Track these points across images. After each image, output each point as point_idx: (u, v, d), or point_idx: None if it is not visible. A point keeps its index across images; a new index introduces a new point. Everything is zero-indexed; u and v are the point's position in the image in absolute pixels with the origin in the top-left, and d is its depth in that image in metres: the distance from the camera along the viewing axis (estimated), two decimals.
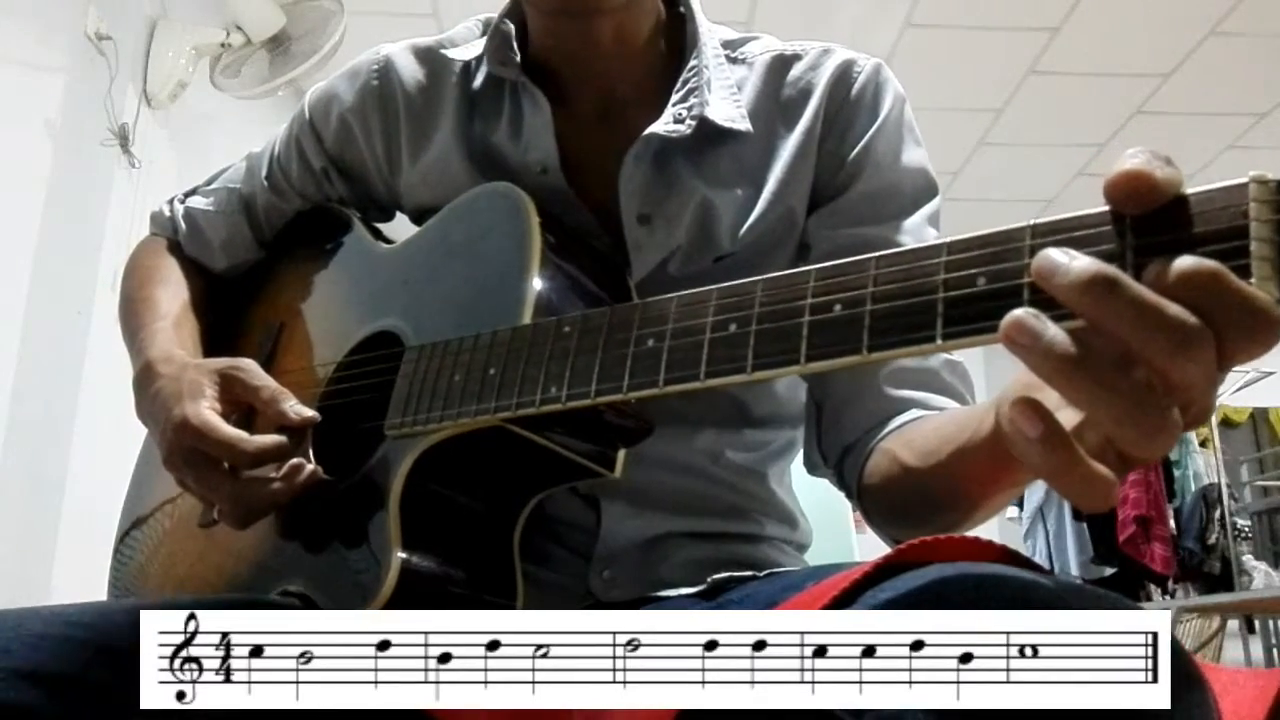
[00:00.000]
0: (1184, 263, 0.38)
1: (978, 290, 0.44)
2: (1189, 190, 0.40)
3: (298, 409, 0.72)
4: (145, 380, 0.79)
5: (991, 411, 0.55)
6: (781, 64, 0.87)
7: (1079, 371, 0.39)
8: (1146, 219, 0.40)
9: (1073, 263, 0.39)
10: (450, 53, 0.90)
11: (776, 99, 0.85)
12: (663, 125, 0.80)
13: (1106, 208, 0.42)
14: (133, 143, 2.76)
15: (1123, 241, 0.41)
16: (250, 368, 0.75)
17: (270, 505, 0.71)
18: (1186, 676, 0.43)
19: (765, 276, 0.53)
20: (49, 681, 0.55)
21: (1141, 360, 0.39)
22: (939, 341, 0.45)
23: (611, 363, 0.58)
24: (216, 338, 0.92)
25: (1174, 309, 0.38)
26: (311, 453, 0.76)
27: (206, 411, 0.71)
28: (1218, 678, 0.49)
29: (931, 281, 0.46)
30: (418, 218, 0.88)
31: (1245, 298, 0.38)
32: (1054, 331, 0.39)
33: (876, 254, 0.49)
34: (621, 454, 0.71)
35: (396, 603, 0.63)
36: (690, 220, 0.81)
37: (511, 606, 0.70)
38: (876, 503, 0.75)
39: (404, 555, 0.64)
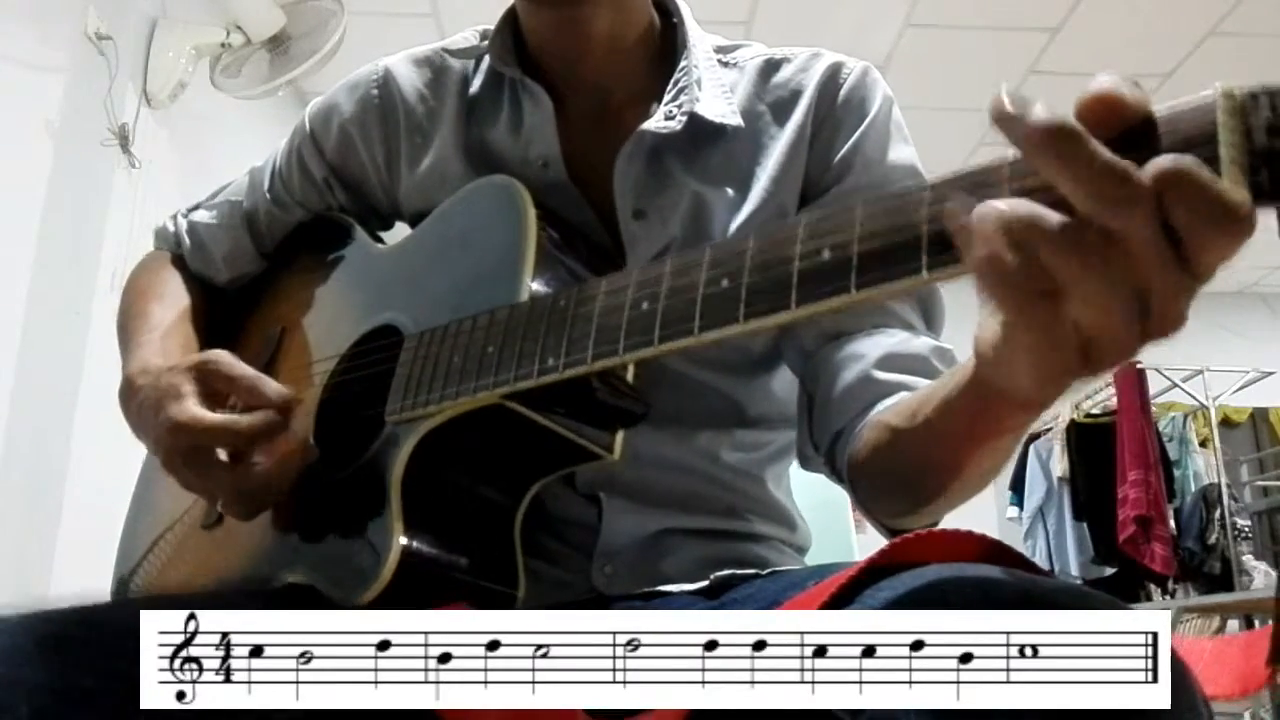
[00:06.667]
0: (1163, 161, 0.39)
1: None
2: (1158, 108, 0.41)
3: (277, 389, 0.73)
4: (128, 396, 0.80)
5: (971, 361, 0.55)
6: (771, 67, 0.88)
7: (1032, 232, 0.41)
8: (1119, 139, 0.41)
9: (1031, 111, 0.41)
10: (451, 57, 0.91)
11: (767, 100, 0.87)
12: (654, 122, 0.82)
13: None
14: (133, 143, 2.76)
15: None
16: (223, 358, 0.75)
17: (272, 489, 0.72)
18: (1179, 677, 0.43)
19: (757, 231, 0.54)
20: (74, 695, 0.56)
21: (1099, 214, 0.40)
22: (925, 274, 0.46)
23: (607, 328, 0.59)
24: (217, 346, 0.92)
25: (1126, 163, 0.40)
26: (312, 439, 0.76)
27: (191, 407, 0.72)
28: (1210, 648, 0.49)
29: (916, 217, 0.47)
30: (417, 224, 0.89)
31: (1210, 187, 0.39)
32: (1011, 200, 0.41)
33: (863, 198, 0.50)
34: (620, 436, 0.72)
35: (397, 588, 0.63)
36: (684, 215, 0.82)
37: (513, 594, 0.70)
38: (867, 478, 0.75)
39: (405, 540, 0.65)
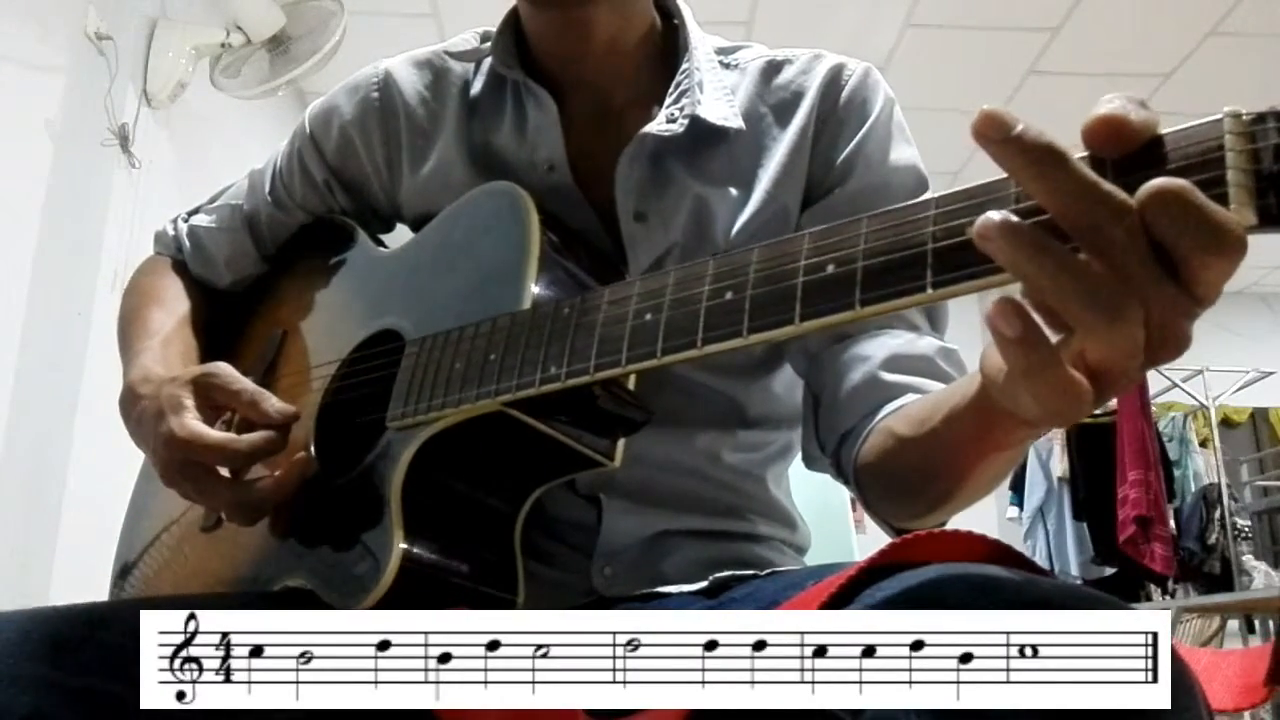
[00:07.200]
0: (1152, 184, 0.39)
1: (966, 238, 0.44)
2: (1165, 130, 0.41)
3: (278, 406, 0.73)
4: (128, 404, 0.80)
5: (978, 378, 0.55)
6: (773, 68, 0.88)
7: (1040, 254, 0.41)
8: (1126, 160, 0.41)
9: (1011, 131, 0.41)
10: (451, 59, 0.91)
11: (769, 101, 0.87)
12: (656, 125, 0.82)
13: (1088, 153, 0.43)
14: (133, 143, 2.76)
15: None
16: (224, 371, 0.75)
17: (272, 501, 0.72)
18: (1180, 676, 0.43)
19: (762, 244, 0.54)
20: (75, 692, 0.56)
21: (1084, 234, 0.41)
22: (929, 291, 0.46)
23: (610, 338, 0.59)
24: (219, 351, 0.92)
25: (1108, 185, 0.40)
26: (313, 448, 0.76)
27: (191, 422, 0.72)
28: (1206, 659, 0.49)
29: (921, 234, 0.47)
30: (418, 227, 0.89)
31: (1198, 207, 0.39)
32: (1019, 221, 0.41)
33: (868, 214, 0.49)
34: (621, 443, 0.72)
35: (397, 593, 0.63)
36: (685, 217, 0.82)
37: (513, 600, 0.70)
38: (873, 481, 0.75)
39: (405, 546, 0.65)
